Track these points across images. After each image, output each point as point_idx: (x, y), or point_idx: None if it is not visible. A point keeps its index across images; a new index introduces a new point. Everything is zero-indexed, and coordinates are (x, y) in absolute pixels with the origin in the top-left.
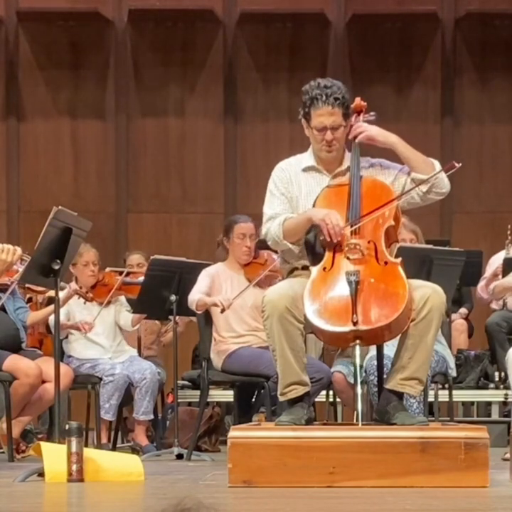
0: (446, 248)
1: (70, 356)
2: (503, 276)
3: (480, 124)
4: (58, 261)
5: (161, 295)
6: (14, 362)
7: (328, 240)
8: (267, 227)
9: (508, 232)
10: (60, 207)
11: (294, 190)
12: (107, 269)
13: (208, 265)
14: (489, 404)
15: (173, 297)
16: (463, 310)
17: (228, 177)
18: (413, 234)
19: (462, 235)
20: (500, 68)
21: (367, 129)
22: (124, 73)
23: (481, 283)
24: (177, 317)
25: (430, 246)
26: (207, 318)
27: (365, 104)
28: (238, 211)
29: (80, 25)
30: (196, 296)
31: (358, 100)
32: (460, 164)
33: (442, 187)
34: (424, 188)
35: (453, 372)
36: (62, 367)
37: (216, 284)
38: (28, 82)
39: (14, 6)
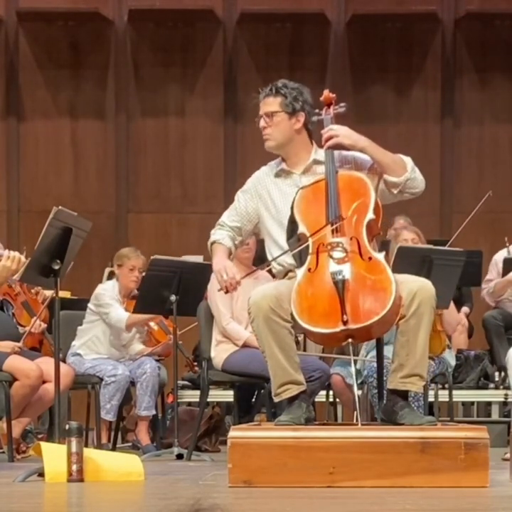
0: (446, 248)
1: (74, 355)
2: (504, 276)
3: (480, 124)
4: (58, 261)
5: (161, 295)
6: (15, 363)
7: (224, 291)
8: (212, 232)
9: None
10: (60, 207)
11: (265, 201)
12: None
13: (208, 265)
14: (489, 404)
15: (173, 297)
16: (465, 309)
17: (228, 177)
18: (415, 234)
19: (462, 235)
20: (500, 68)
21: (336, 134)
22: (124, 73)
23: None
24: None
25: (430, 246)
26: (207, 318)
27: (334, 95)
28: None
29: (80, 25)
30: (243, 332)
31: (326, 92)
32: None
33: (415, 187)
34: (395, 190)
35: (452, 362)
36: (63, 367)
37: None
38: (28, 82)
39: (14, 6)
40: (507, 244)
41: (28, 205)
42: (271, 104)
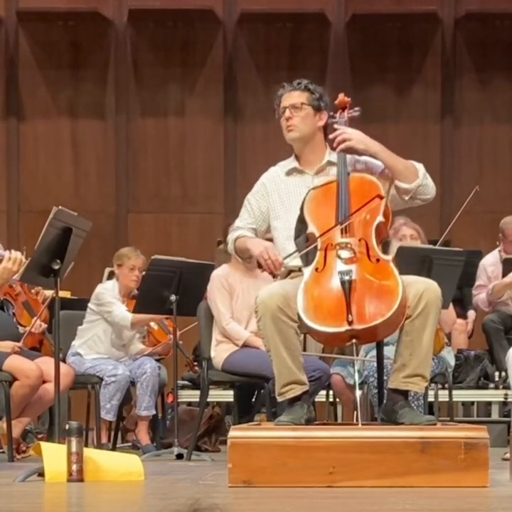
0: (447, 248)
1: (74, 355)
2: (504, 277)
3: (480, 124)
4: (58, 261)
5: (161, 295)
6: (15, 363)
7: (269, 272)
8: (229, 237)
9: (500, 234)
10: (60, 207)
11: (274, 200)
12: None
13: (208, 265)
14: (489, 404)
15: (173, 297)
16: (472, 313)
17: (228, 177)
18: (414, 230)
19: (462, 235)
20: (500, 68)
21: (349, 137)
22: (124, 73)
23: (482, 295)
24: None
25: (430, 246)
26: (207, 318)
27: (349, 99)
28: (238, 211)
29: (79, 25)
30: (243, 332)
31: (341, 96)
32: None
33: (427, 193)
34: (406, 196)
35: (452, 361)
36: (63, 367)
37: (229, 288)
38: (28, 82)
39: (14, 6)
40: (498, 247)
41: (28, 205)
42: (299, 97)
